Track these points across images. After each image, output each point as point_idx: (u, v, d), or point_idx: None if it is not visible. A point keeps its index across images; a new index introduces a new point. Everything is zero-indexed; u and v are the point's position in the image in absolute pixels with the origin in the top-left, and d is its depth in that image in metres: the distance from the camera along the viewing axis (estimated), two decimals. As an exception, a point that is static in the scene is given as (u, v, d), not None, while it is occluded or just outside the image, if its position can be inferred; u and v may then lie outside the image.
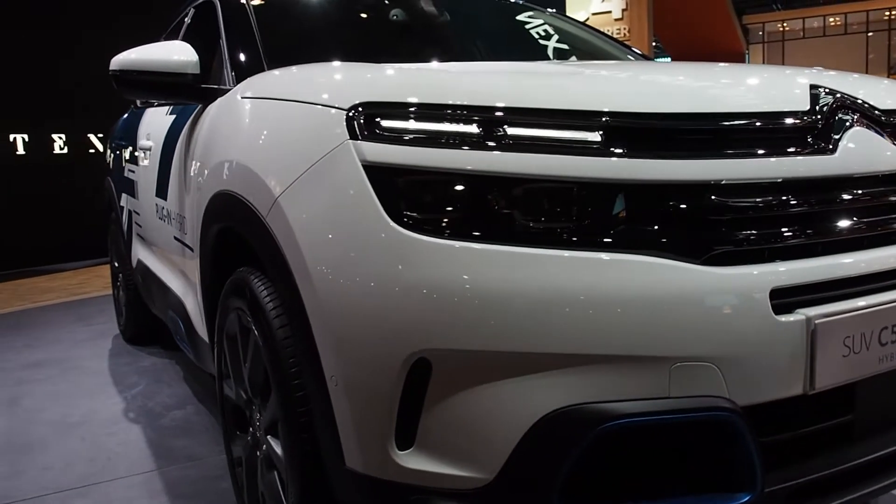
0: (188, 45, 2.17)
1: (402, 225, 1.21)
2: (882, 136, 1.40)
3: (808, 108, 1.35)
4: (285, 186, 1.41)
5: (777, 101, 1.36)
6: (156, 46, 2.21)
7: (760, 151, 1.27)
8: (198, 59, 2.14)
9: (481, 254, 1.16)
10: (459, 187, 1.21)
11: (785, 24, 29.93)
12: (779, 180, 1.26)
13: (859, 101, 1.41)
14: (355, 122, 1.30)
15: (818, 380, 1.22)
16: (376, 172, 1.25)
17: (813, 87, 1.40)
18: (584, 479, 1.17)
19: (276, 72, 1.86)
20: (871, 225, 1.34)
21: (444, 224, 1.20)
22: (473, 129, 1.23)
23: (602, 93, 1.34)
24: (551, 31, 3.04)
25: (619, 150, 1.20)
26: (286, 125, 1.52)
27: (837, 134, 1.35)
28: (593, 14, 9.76)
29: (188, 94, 2.17)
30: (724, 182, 1.22)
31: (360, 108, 1.31)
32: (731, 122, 1.28)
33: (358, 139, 1.28)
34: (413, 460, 1.23)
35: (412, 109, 1.28)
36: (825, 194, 1.31)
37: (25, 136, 6.67)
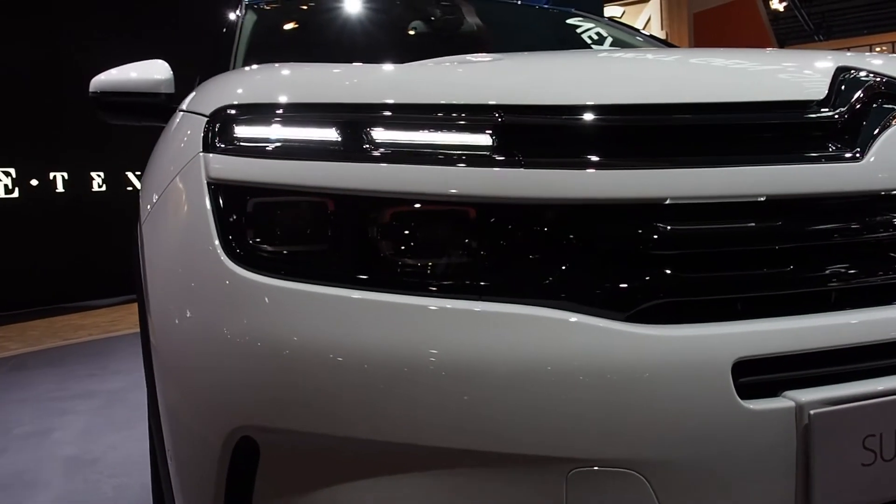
0: (164, 63, 2.00)
1: (235, 259, 0.92)
2: None
3: (823, 97, 0.95)
4: (148, 210, 1.16)
5: (777, 88, 0.96)
6: (133, 66, 2.06)
7: (738, 158, 0.88)
8: (172, 76, 1.97)
9: (313, 300, 0.85)
10: (302, 210, 0.91)
11: (829, 56, 27.51)
12: (761, 199, 0.87)
13: None
14: (209, 130, 1.03)
15: (818, 500, 0.80)
16: (221, 191, 0.98)
17: (842, 70, 0.99)
18: None
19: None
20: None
21: (277, 259, 0.90)
22: (331, 134, 0.93)
23: (509, 81, 0.99)
24: (604, 34, 2.69)
25: (513, 158, 0.86)
26: (169, 136, 1.28)
27: (870, 133, 0.93)
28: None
29: (162, 114, 2.00)
30: (668, 202, 0.85)
31: (219, 113, 1.04)
32: (694, 117, 0.90)
33: (209, 151, 1.01)
34: None
35: (269, 112, 1.00)
36: (840, 220, 0.90)
37: (65, 175, 6.84)
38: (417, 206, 0.86)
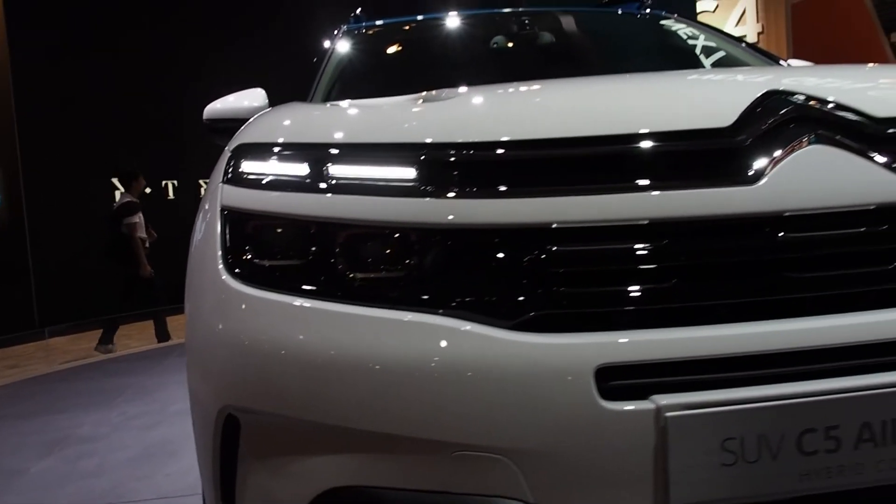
0: (262, 92, 2.31)
1: (229, 271, 1.16)
2: (862, 156, 0.99)
3: (730, 124, 1.02)
4: (195, 225, 1.44)
5: (683, 118, 1.04)
6: (238, 94, 2.38)
7: (624, 185, 0.98)
8: (266, 104, 2.26)
9: (271, 307, 1.07)
10: (277, 234, 1.13)
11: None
12: (644, 222, 0.96)
13: (840, 110, 1.02)
14: (228, 164, 1.28)
15: (676, 494, 0.90)
16: (228, 217, 1.22)
17: (770, 94, 1.04)
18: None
19: None
20: (815, 283, 0.96)
21: (254, 273, 1.13)
22: (303, 169, 1.14)
23: (441, 118, 1.15)
24: (697, 32, 2.72)
25: (425, 189, 1.02)
26: (216, 166, 1.55)
27: (772, 156, 0.99)
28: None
29: None
30: (554, 226, 0.97)
31: (236, 151, 1.29)
32: (583, 149, 1.01)
33: (225, 182, 1.27)
34: None
35: (265, 150, 1.23)
36: (726, 239, 0.97)
37: (175, 182, 7.57)
38: (354, 230, 1.05)
